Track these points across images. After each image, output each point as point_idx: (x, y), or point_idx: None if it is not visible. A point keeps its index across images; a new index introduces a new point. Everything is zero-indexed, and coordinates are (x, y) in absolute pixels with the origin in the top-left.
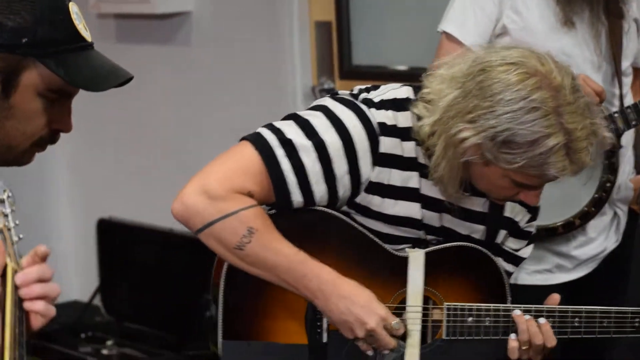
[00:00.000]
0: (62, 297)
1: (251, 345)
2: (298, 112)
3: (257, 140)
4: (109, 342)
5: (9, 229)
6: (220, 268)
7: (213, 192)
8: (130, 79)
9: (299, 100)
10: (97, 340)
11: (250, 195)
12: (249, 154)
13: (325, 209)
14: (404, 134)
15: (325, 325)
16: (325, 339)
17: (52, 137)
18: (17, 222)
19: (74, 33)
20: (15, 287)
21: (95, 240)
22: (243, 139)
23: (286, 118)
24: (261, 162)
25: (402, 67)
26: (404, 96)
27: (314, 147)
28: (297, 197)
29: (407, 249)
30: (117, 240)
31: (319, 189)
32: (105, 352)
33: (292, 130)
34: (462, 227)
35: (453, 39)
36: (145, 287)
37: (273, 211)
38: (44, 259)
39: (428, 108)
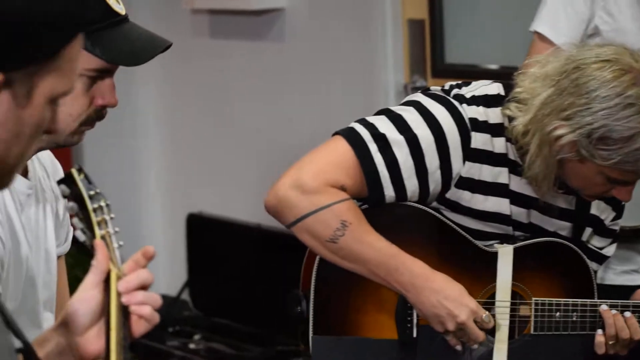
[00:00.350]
0: (151, 291)
1: (341, 341)
2: (390, 107)
3: (350, 135)
4: (197, 337)
5: (110, 235)
6: (311, 263)
7: (306, 186)
8: (169, 46)
9: (391, 97)
10: (185, 335)
11: (343, 189)
12: (342, 148)
13: (417, 205)
14: (494, 130)
15: (415, 320)
16: (415, 333)
17: (98, 114)
18: (116, 229)
19: (106, 9)
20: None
21: (185, 235)
22: (336, 133)
23: (379, 113)
24: (354, 157)
25: (493, 66)
26: (495, 92)
27: (407, 141)
28: (389, 191)
29: (496, 245)
30: (206, 235)
31: (411, 184)
32: (192, 346)
33: (384, 125)
34: (549, 223)
35: (545, 39)
36: (234, 281)
37: (365, 206)
38: (150, 259)
39: (520, 107)
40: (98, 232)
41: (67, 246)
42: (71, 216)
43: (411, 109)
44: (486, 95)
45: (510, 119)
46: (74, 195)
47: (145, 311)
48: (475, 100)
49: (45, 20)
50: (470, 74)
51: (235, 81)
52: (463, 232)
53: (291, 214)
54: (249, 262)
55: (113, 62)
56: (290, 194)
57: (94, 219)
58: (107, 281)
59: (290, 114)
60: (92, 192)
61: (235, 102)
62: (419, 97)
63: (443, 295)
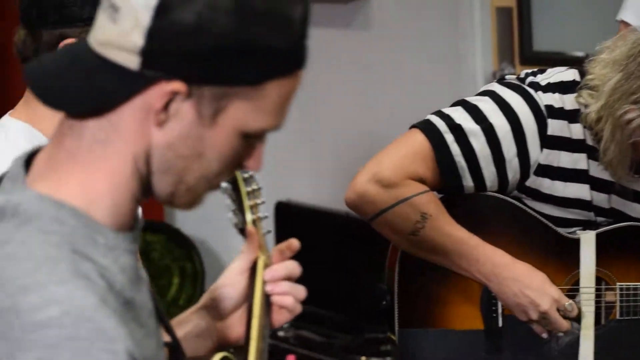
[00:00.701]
0: None
1: (428, 332)
2: (466, 98)
3: (426, 127)
4: (285, 324)
5: (260, 220)
6: (394, 256)
7: (385, 180)
8: None
9: (479, 85)
10: None
11: (421, 181)
12: (419, 141)
13: (496, 194)
14: (571, 116)
15: (500, 310)
16: (500, 323)
17: None
18: (266, 214)
19: None
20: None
21: (273, 222)
22: (413, 126)
23: (455, 104)
24: (431, 148)
25: (580, 53)
26: (570, 79)
27: (483, 131)
28: (468, 181)
29: (578, 231)
30: (294, 223)
31: (489, 173)
32: (281, 333)
33: (460, 116)
34: (631, 208)
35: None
36: (322, 269)
37: (444, 197)
38: (294, 252)
39: (593, 94)
40: (250, 216)
41: None
42: (227, 199)
43: (487, 98)
44: (562, 82)
45: (585, 106)
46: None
47: (288, 302)
48: (550, 87)
49: (254, 47)
50: (559, 61)
51: (322, 70)
52: (544, 220)
53: (371, 208)
54: (337, 250)
55: None
56: (370, 188)
57: (247, 202)
58: (253, 268)
59: (378, 103)
60: (246, 175)
61: (322, 91)
62: (494, 86)
63: (525, 284)
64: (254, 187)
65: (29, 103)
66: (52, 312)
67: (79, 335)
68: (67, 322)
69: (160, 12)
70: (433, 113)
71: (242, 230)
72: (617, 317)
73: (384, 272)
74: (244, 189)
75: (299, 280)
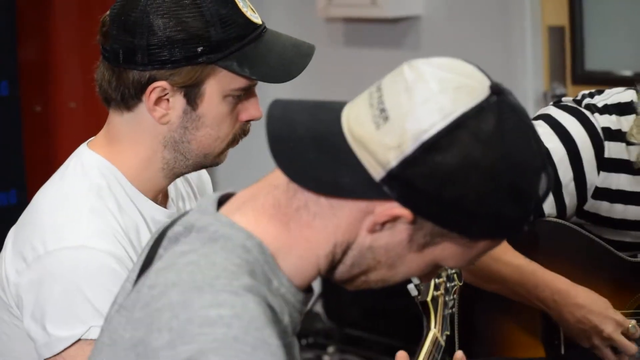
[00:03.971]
0: None
1: None
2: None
3: None
4: (330, 349)
5: (443, 299)
6: None
7: None
8: (313, 50)
9: (530, 105)
10: (319, 347)
11: None
12: None
13: (555, 219)
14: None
15: (562, 338)
16: (562, 350)
17: (244, 129)
18: (454, 296)
19: (246, 23)
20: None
21: None
22: None
23: None
24: None
25: (630, 73)
26: (628, 100)
27: None
28: None
29: (639, 254)
30: None
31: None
32: (326, 358)
33: None
34: None
35: None
36: (367, 292)
37: None
38: None
39: None
40: (431, 293)
41: None
42: None
43: (542, 122)
44: (619, 103)
45: None
46: None
47: None
48: (607, 109)
49: (492, 212)
50: (610, 80)
51: None
52: (604, 244)
53: None
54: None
55: (264, 80)
56: None
57: (433, 280)
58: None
59: None
60: None
61: None
62: (549, 110)
63: (587, 309)
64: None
65: (110, 138)
66: (224, 312)
67: (246, 340)
68: (237, 324)
69: (425, 149)
70: None
71: (421, 303)
72: None
73: None
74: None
75: (343, 304)
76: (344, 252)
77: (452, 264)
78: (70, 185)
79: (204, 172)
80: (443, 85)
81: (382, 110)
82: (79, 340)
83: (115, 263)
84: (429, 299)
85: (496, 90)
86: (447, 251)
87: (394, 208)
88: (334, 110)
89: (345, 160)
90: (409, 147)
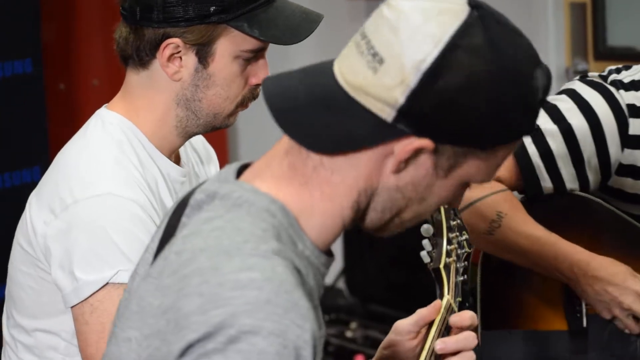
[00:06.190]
0: None
1: (511, 334)
2: (546, 97)
3: None
4: (353, 324)
5: (455, 265)
6: (476, 258)
7: None
8: (321, 18)
9: (552, 81)
10: (341, 323)
11: (499, 180)
12: None
13: (578, 193)
14: None
15: (584, 309)
16: (585, 323)
17: (253, 93)
18: (465, 263)
19: None
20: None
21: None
22: None
23: None
24: None
25: None
26: None
27: (561, 131)
28: (546, 182)
29: None
30: None
31: (568, 174)
32: (349, 334)
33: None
34: None
35: None
36: (390, 268)
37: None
38: (469, 328)
39: None
40: (444, 260)
41: None
42: (423, 237)
43: (566, 97)
44: None
45: None
46: (435, 219)
47: None
48: (634, 85)
49: (503, 118)
50: (633, 56)
51: None
52: (629, 218)
53: None
54: (405, 248)
55: (272, 42)
56: None
57: (445, 246)
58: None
59: None
60: (453, 223)
61: None
62: (575, 84)
63: (606, 281)
64: (458, 235)
65: (127, 98)
66: (255, 275)
67: (277, 302)
68: (268, 287)
69: (429, 77)
70: None
71: (433, 270)
72: None
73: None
74: (446, 234)
75: (366, 280)
76: (370, 200)
77: (480, 179)
78: (94, 139)
79: (209, 146)
80: (425, 15)
81: (375, 55)
82: (107, 284)
83: (141, 210)
84: (441, 265)
85: (474, 4)
86: (472, 168)
87: (413, 142)
88: (324, 69)
89: (352, 112)
90: (413, 80)
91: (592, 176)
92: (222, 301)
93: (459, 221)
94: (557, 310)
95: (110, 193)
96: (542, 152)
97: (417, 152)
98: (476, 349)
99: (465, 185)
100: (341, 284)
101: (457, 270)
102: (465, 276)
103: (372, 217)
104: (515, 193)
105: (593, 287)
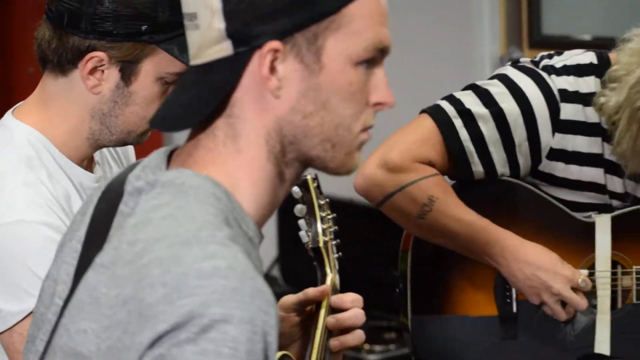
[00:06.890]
0: None
1: (441, 319)
2: (478, 82)
3: (435, 112)
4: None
5: (332, 244)
6: (408, 242)
7: (393, 164)
8: None
9: (486, 70)
10: None
11: (431, 165)
12: (427, 126)
13: (509, 179)
14: (586, 99)
15: (514, 295)
16: (515, 308)
17: None
18: (338, 240)
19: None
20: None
21: (277, 211)
22: (422, 111)
23: (466, 88)
24: (440, 133)
25: (588, 37)
26: (587, 61)
27: (492, 115)
28: (477, 166)
29: (593, 215)
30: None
31: (499, 158)
32: None
33: (470, 100)
34: None
35: None
36: None
37: (457, 183)
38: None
39: (614, 87)
40: (322, 238)
41: None
42: (298, 218)
43: (498, 82)
44: (578, 65)
45: (603, 95)
46: (306, 199)
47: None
48: (566, 70)
49: None
50: (567, 44)
51: None
52: (558, 204)
53: (379, 192)
54: (340, 238)
55: None
56: (378, 172)
57: (320, 225)
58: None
59: None
60: (322, 202)
61: None
62: (507, 70)
63: (536, 266)
64: (328, 213)
65: (40, 105)
66: (218, 263)
67: (243, 289)
68: (233, 275)
69: None
70: (443, 98)
71: (313, 250)
72: (634, 301)
73: (397, 259)
74: (318, 214)
75: (300, 268)
76: (280, 138)
77: (359, 48)
78: (0, 160)
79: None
80: None
81: (190, 17)
82: (31, 312)
83: (53, 232)
84: (320, 244)
85: None
86: (339, 43)
87: (264, 50)
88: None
89: (205, 74)
90: (216, 3)
91: (523, 160)
92: (188, 290)
93: (327, 200)
94: (488, 296)
95: (21, 220)
96: (474, 136)
97: (276, 58)
98: (408, 334)
99: (357, 64)
100: (275, 272)
101: (332, 248)
102: (340, 253)
103: (306, 152)
104: (446, 178)
105: (523, 271)
